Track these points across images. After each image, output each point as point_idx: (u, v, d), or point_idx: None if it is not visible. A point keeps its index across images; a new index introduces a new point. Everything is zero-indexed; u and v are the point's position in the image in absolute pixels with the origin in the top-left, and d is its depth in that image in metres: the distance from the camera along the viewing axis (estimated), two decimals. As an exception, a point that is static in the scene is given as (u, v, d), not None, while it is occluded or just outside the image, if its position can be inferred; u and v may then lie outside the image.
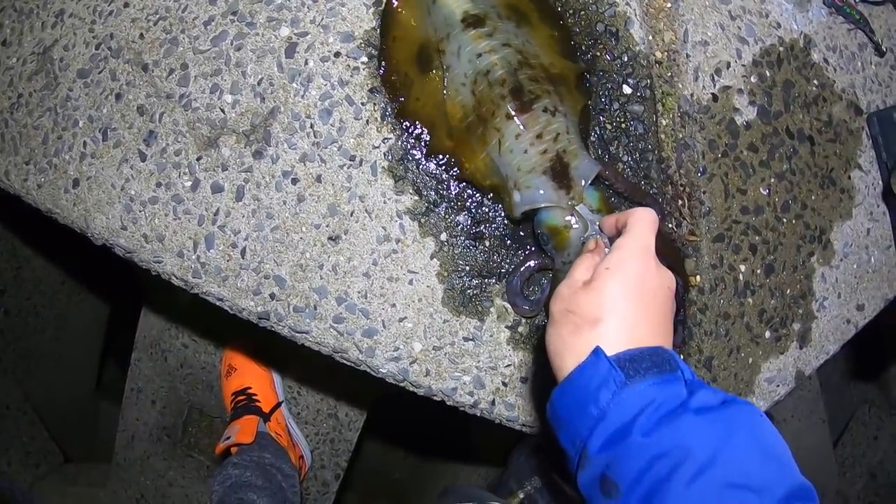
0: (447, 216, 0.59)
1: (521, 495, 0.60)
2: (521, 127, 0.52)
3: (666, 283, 0.43)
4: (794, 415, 1.10)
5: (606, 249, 0.47)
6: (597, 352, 0.38)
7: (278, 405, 0.95)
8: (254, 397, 0.92)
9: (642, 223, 0.43)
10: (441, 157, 0.58)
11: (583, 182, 0.53)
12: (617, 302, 0.39)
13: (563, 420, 0.39)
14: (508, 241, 0.59)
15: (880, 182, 0.74)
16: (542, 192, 0.52)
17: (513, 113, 0.52)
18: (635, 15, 0.63)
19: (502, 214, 0.59)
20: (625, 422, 0.36)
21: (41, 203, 0.68)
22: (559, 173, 0.52)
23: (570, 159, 0.52)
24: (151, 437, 1.08)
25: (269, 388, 0.96)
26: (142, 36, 0.65)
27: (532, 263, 0.58)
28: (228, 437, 0.88)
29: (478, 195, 0.59)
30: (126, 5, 0.67)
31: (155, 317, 1.06)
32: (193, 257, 0.61)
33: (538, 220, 0.54)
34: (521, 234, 0.59)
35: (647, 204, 0.58)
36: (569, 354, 0.39)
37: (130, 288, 1.23)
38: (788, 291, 0.67)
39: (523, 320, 0.61)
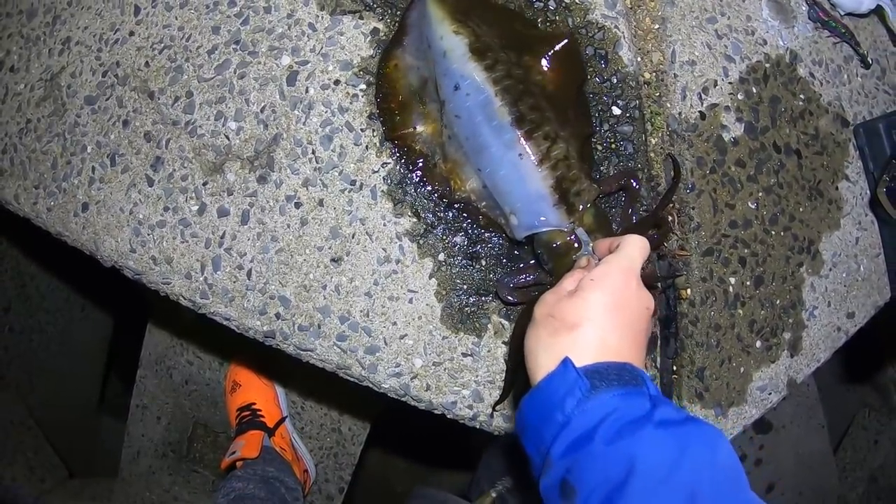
0: (445, 237, 0.61)
1: (494, 494, 0.60)
2: (520, 155, 0.54)
3: (644, 304, 0.44)
4: (793, 421, 1.10)
5: None
6: (565, 362, 0.39)
7: (282, 420, 0.97)
8: (258, 413, 0.94)
9: (632, 246, 0.46)
10: (437, 181, 0.60)
11: (582, 206, 0.55)
12: (595, 311, 0.41)
13: (530, 426, 0.40)
14: (504, 260, 0.61)
15: (868, 192, 0.76)
16: (542, 217, 0.54)
17: (515, 142, 0.54)
18: (624, 37, 0.65)
19: (497, 235, 0.61)
20: (587, 429, 0.37)
21: (51, 226, 0.70)
22: (560, 198, 0.54)
23: (568, 185, 0.54)
24: (157, 452, 1.10)
25: (274, 403, 0.97)
26: (147, 64, 0.67)
27: (530, 277, 0.60)
28: (234, 452, 0.89)
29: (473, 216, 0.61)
30: (131, 34, 0.69)
31: (160, 334, 1.08)
32: (201, 279, 0.62)
33: (538, 241, 0.56)
34: (517, 252, 0.61)
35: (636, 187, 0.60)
36: (544, 354, 0.41)
37: (134, 303, 1.24)
38: (778, 302, 0.69)
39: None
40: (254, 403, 0.95)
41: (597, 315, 0.41)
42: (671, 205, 0.64)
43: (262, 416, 0.94)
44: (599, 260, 0.51)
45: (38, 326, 1.30)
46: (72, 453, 1.33)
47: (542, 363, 0.41)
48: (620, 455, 0.35)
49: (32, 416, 1.27)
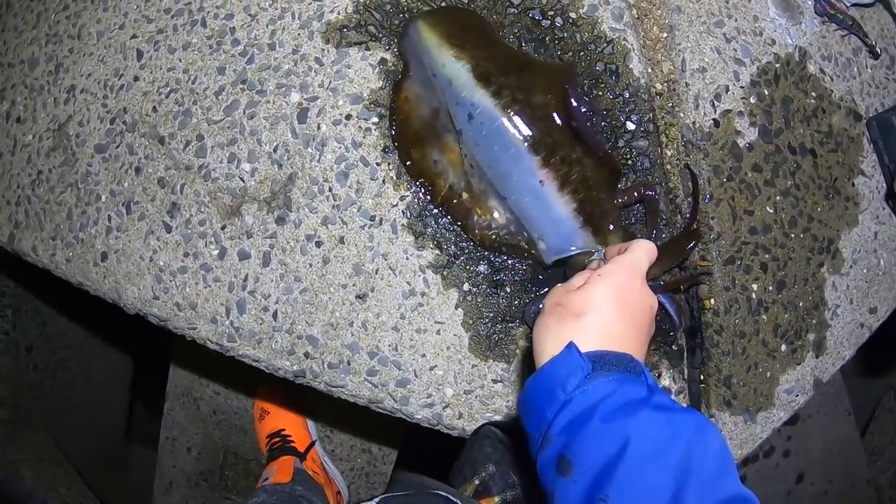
0: (468, 267, 0.61)
1: (477, 481, 0.61)
2: (541, 182, 0.54)
3: (648, 302, 0.47)
4: (819, 410, 1.10)
5: None
6: (570, 346, 0.41)
7: (312, 444, 0.98)
8: (288, 438, 0.95)
9: (639, 249, 0.49)
10: (460, 212, 0.60)
11: (610, 226, 0.55)
12: (600, 302, 0.44)
13: (533, 405, 0.42)
14: (529, 286, 0.61)
15: (884, 185, 0.76)
16: (570, 241, 0.55)
17: (534, 169, 0.54)
18: (633, 49, 0.64)
19: (520, 261, 0.61)
20: (587, 407, 0.39)
21: (71, 277, 0.70)
22: (584, 220, 0.54)
23: (591, 206, 0.54)
24: (189, 482, 1.11)
25: (303, 428, 0.98)
26: (155, 109, 0.67)
27: None
28: (266, 479, 0.90)
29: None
30: (136, 79, 0.69)
31: (184, 366, 1.09)
32: (227, 322, 0.63)
33: (570, 267, 0.56)
34: (541, 277, 0.61)
35: (655, 195, 0.61)
36: (550, 339, 0.43)
37: (155, 335, 1.25)
38: (801, 304, 0.69)
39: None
40: (283, 429, 0.96)
41: (602, 306, 0.44)
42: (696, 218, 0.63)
43: (293, 442, 0.95)
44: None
45: (60, 363, 1.31)
46: (102, 485, 1.34)
47: (548, 347, 0.43)
48: (617, 432, 0.37)
49: (61, 451, 1.29)
